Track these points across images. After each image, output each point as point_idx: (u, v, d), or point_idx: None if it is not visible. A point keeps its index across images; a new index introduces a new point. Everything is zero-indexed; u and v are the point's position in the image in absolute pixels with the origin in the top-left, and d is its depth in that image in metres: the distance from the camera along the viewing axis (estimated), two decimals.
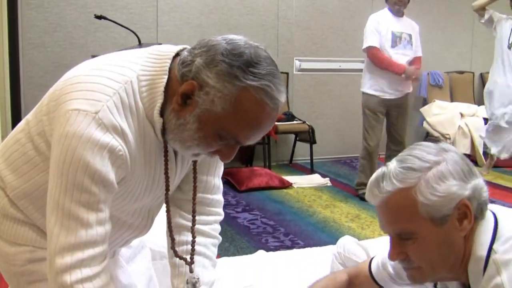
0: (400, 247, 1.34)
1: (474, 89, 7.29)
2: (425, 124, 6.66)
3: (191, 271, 1.50)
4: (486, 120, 5.91)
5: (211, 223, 1.57)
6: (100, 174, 1.17)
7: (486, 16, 5.27)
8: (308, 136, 6.00)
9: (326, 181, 5.53)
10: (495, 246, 1.27)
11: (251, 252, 3.28)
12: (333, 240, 2.17)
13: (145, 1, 5.69)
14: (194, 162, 1.45)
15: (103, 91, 1.18)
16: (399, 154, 1.38)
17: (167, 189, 1.38)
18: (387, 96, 4.82)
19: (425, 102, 7.00)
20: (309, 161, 6.03)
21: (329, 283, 1.80)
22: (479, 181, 1.33)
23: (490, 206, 1.37)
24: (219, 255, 1.94)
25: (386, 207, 1.33)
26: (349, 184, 5.42)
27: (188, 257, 1.50)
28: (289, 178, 5.43)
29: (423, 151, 1.33)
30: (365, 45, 4.83)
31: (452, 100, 7.07)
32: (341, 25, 6.55)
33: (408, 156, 1.34)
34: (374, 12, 5.00)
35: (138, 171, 1.29)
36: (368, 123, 4.92)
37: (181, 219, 1.52)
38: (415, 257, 1.33)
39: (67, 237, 1.16)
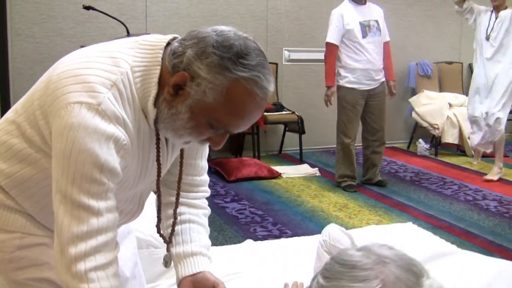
0: None
1: (462, 79, 7.32)
2: (413, 114, 6.70)
3: (167, 250, 1.56)
4: None
5: (200, 198, 1.64)
6: (108, 164, 1.20)
7: (465, 6, 5.29)
8: (297, 126, 6.03)
9: (315, 171, 5.57)
10: None
11: (239, 242, 3.30)
12: (320, 229, 2.21)
13: None
14: (182, 149, 1.49)
15: (102, 83, 1.21)
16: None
17: (159, 175, 1.42)
18: (365, 87, 4.84)
19: (413, 92, 7.03)
20: (298, 151, 6.07)
21: None
22: (430, 282, 1.04)
23: None
24: None
25: None
26: None
27: (170, 231, 1.55)
28: (278, 168, 5.47)
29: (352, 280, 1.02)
30: (326, 39, 4.84)
31: (440, 90, 7.11)
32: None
33: None
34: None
35: (134, 159, 1.33)
36: (346, 116, 4.90)
37: (171, 197, 1.56)
38: None
39: (79, 226, 1.18)
